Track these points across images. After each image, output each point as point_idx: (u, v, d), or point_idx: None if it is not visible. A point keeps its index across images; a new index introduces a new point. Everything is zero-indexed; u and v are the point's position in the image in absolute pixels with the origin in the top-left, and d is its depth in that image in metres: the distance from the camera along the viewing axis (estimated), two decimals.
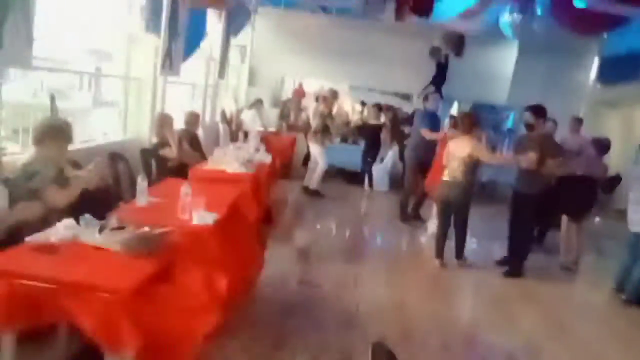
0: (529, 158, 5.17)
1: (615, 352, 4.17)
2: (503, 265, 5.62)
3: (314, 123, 8.50)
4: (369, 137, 9.48)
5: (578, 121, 7.95)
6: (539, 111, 5.38)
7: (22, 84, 5.11)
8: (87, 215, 2.81)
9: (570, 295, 5.40)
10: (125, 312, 2.17)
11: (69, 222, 2.75)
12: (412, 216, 7.32)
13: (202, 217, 3.26)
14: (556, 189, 5.84)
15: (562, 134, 7.28)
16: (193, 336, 2.29)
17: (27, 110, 4.82)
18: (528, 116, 5.37)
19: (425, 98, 7.48)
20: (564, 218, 6.07)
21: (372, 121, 9.63)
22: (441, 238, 5.62)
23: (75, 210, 2.92)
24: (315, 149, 8.42)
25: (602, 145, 6.05)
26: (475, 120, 5.56)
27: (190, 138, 6.16)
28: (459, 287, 5.26)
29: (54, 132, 3.31)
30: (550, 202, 5.66)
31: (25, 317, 2.20)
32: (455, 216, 5.56)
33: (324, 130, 8.33)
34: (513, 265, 5.48)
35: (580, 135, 7.74)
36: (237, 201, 4.03)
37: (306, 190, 8.37)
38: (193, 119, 6.42)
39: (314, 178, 8.29)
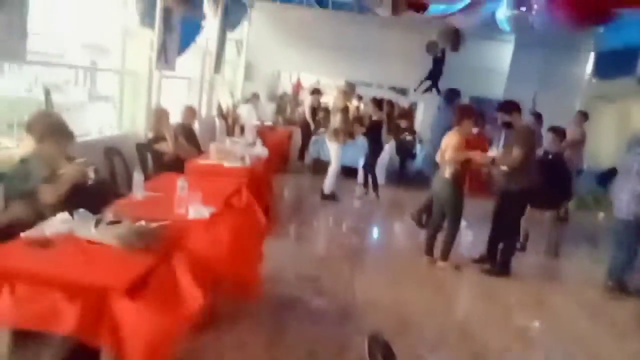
0: (514, 157, 5.01)
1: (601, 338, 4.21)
2: (481, 262, 5.52)
3: (335, 120, 7.68)
4: (372, 134, 8.66)
5: (583, 115, 8.05)
6: (508, 107, 5.28)
7: (16, 79, 5.09)
8: (81, 210, 2.80)
9: (565, 288, 5.41)
10: (116, 307, 2.17)
11: (64, 216, 2.74)
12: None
13: (198, 211, 3.26)
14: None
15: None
16: (178, 329, 2.27)
17: (22, 104, 4.80)
18: (501, 116, 5.29)
19: None
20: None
21: (373, 117, 8.81)
22: (431, 235, 5.51)
23: (70, 204, 2.91)
24: (334, 149, 7.78)
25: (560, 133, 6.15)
26: (466, 112, 5.32)
27: (186, 132, 6.15)
28: (452, 282, 5.27)
29: (57, 131, 3.31)
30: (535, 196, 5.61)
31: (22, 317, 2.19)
32: (443, 213, 5.40)
33: (346, 128, 7.79)
34: (502, 264, 5.36)
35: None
36: (234, 195, 4.02)
37: (322, 194, 7.88)
38: (189, 113, 6.41)
39: (327, 181, 7.85)
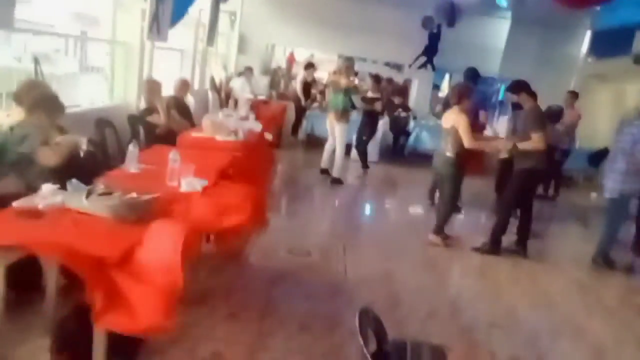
0: (535, 141, 4.93)
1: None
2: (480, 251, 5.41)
3: (338, 99, 7.21)
4: (367, 112, 8.57)
5: (574, 95, 8.03)
6: (516, 87, 5.26)
7: (4, 48, 4.98)
8: (74, 181, 2.78)
9: (554, 266, 5.47)
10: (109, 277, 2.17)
11: (53, 187, 2.71)
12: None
13: (190, 183, 3.24)
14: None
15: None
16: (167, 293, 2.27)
17: (11, 74, 4.71)
18: (509, 96, 5.28)
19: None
20: None
21: (371, 94, 8.75)
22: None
23: (62, 175, 2.88)
24: (340, 131, 7.34)
25: (554, 114, 6.13)
26: (464, 91, 5.26)
27: (179, 105, 6.09)
28: (445, 259, 5.30)
29: (47, 102, 3.28)
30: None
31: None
32: (441, 189, 5.50)
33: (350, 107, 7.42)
34: (492, 243, 5.32)
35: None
36: (226, 168, 4.00)
37: (326, 174, 7.64)
38: (182, 86, 6.34)
39: (336, 166, 7.45)
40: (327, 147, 7.67)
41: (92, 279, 2.15)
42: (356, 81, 7.75)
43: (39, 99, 3.26)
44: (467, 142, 4.98)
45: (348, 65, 7.39)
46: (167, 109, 5.58)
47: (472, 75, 7.06)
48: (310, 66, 10.72)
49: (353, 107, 7.61)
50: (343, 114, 7.25)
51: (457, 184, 5.30)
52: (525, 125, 5.16)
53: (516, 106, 5.27)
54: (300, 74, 10.83)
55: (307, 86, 10.47)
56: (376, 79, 9.03)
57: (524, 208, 5.45)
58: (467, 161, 5.29)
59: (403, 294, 4.10)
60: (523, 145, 5.04)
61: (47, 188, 2.68)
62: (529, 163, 5.09)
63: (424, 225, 5.76)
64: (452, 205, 5.41)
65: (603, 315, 4.39)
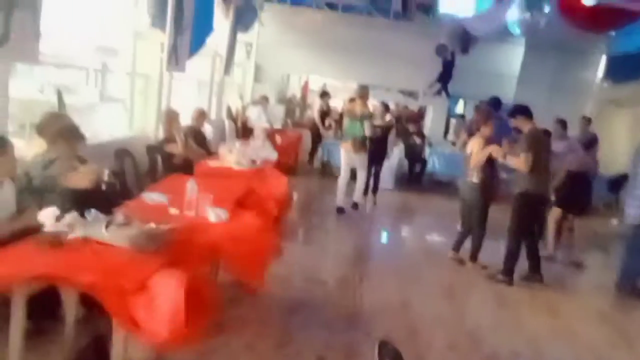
0: (521, 160, 4.96)
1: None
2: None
3: (356, 128, 7.04)
4: (375, 139, 8.04)
5: (587, 120, 7.94)
6: (514, 111, 5.29)
7: (28, 80, 5.10)
8: (93, 211, 2.81)
9: (575, 294, 5.36)
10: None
11: (74, 215, 2.73)
12: None
13: (218, 214, 3.26)
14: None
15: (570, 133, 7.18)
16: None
17: (34, 105, 4.82)
18: (511, 122, 5.29)
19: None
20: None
21: (378, 121, 8.39)
22: (461, 235, 5.68)
23: (82, 205, 2.91)
24: (361, 160, 7.18)
25: (589, 142, 6.12)
26: (486, 115, 5.44)
27: (195, 134, 6.17)
28: (464, 288, 5.22)
29: (68, 133, 3.36)
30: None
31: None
32: (471, 216, 5.51)
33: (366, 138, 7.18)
34: (505, 271, 5.21)
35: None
36: (244, 197, 4.02)
37: (342, 212, 7.25)
38: (199, 116, 6.43)
39: (358, 192, 7.44)
40: (341, 181, 7.24)
41: (113, 306, 2.16)
42: (371, 109, 7.70)
43: (60, 129, 3.35)
44: (474, 160, 5.18)
45: (361, 95, 7.25)
46: (184, 138, 5.65)
47: (494, 103, 7.01)
48: (325, 94, 10.81)
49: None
50: (362, 143, 7.07)
51: (483, 211, 5.37)
52: (520, 147, 5.15)
53: (517, 130, 5.29)
54: (316, 102, 10.92)
55: (323, 114, 10.55)
56: (384, 106, 8.87)
57: (528, 233, 5.30)
58: (492, 188, 5.39)
59: (421, 324, 4.04)
60: (509, 160, 5.12)
61: (71, 217, 2.71)
62: (523, 186, 5.08)
63: (442, 254, 5.71)
64: (482, 234, 5.43)
65: (626, 346, 4.27)
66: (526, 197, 5.11)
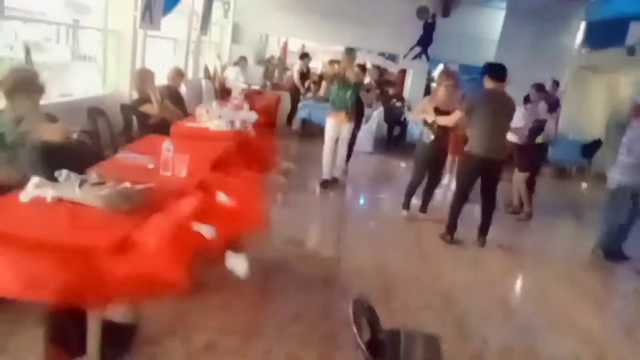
0: (451, 117, 5.24)
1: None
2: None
3: (345, 96, 6.48)
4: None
5: (555, 84, 8.09)
6: (482, 70, 5.18)
7: None
8: (64, 171, 2.74)
9: (546, 257, 5.49)
10: (102, 268, 2.15)
11: (38, 180, 2.66)
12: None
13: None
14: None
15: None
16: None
17: (2, 63, 4.66)
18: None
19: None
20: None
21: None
22: (409, 191, 5.94)
23: (53, 164, 2.84)
24: (347, 130, 6.71)
25: (554, 104, 6.46)
26: (442, 77, 5.64)
27: (172, 94, 6.04)
28: (439, 251, 5.32)
29: (24, 84, 3.21)
30: None
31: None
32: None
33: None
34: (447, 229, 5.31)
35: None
36: (221, 159, 3.98)
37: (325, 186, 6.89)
38: (176, 75, 6.28)
39: (339, 166, 6.96)
40: (326, 154, 6.77)
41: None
42: (367, 78, 7.32)
43: (17, 81, 3.21)
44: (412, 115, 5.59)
45: (350, 57, 6.63)
46: (160, 98, 5.53)
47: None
48: (305, 56, 10.66)
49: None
50: (353, 112, 6.64)
51: (438, 166, 5.83)
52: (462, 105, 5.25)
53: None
54: (297, 63, 10.78)
55: (303, 76, 10.43)
56: (361, 67, 8.58)
57: (465, 193, 5.24)
58: (446, 145, 5.70)
59: (397, 285, 4.12)
60: (441, 120, 5.30)
61: (33, 181, 2.62)
62: (468, 146, 5.10)
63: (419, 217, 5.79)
64: (434, 186, 5.94)
65: (596, 307, 4.43)
66: (466, 157, 5.14)
